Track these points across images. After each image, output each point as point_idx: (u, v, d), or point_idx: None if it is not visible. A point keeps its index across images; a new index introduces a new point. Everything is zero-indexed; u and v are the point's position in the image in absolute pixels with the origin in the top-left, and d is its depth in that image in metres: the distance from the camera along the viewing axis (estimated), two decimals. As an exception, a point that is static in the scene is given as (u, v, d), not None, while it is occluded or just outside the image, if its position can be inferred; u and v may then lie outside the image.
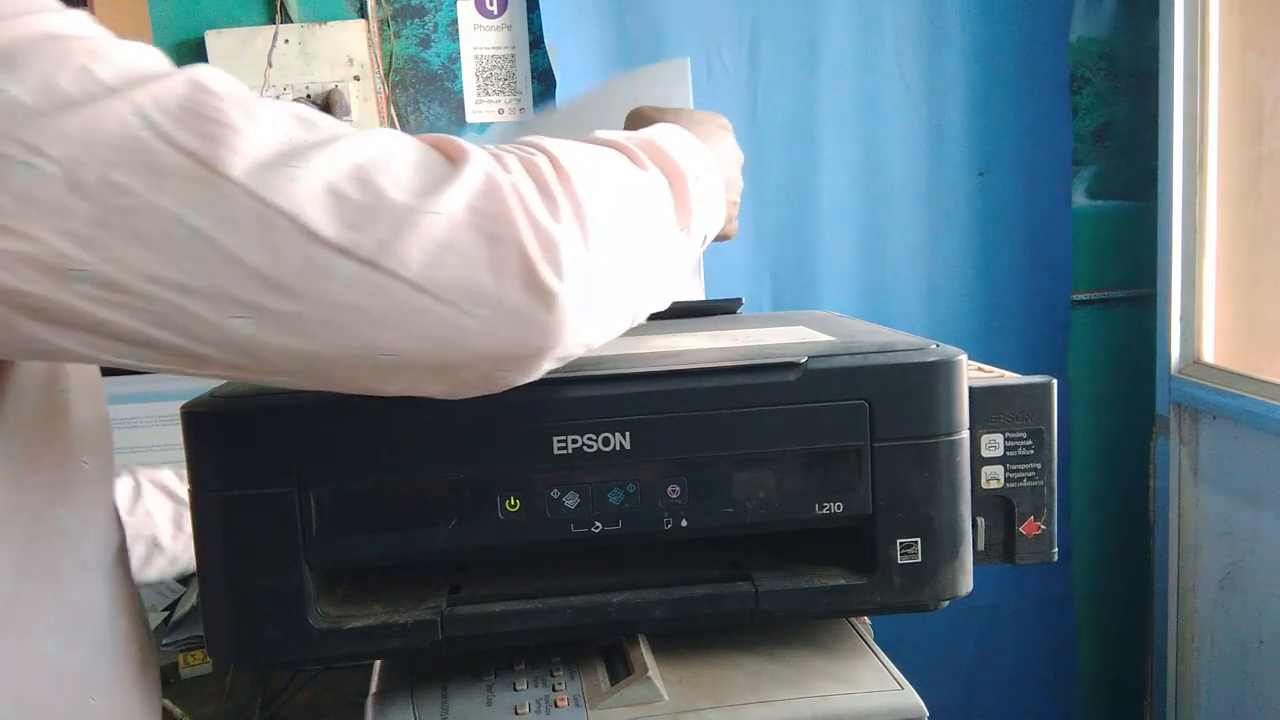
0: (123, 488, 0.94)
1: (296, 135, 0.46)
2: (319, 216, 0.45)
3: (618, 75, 0.83)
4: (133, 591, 0.65)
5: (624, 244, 0.54)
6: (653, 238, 0.57)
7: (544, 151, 0.52)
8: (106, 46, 0.44)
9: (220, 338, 0.46)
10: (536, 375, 0.53)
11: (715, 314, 0.87)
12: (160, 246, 0.43)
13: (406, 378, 0.50)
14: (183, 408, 0.58)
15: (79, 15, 0.45)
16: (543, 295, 0.48)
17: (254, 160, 0.44)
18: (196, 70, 0.45)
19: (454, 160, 0.49)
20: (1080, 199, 2.00)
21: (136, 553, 0.92)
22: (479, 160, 0.49)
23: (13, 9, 0.43)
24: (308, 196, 0.45)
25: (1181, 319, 1.81)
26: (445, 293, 0.47)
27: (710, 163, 0.67)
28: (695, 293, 0.92)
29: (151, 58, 0.46)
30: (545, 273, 0.48)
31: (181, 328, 0.45)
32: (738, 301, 0.88)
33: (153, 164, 0.43)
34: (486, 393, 0.53)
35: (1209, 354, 1.80)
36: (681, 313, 0.86)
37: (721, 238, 0.85)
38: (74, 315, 0.44)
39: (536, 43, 1.89)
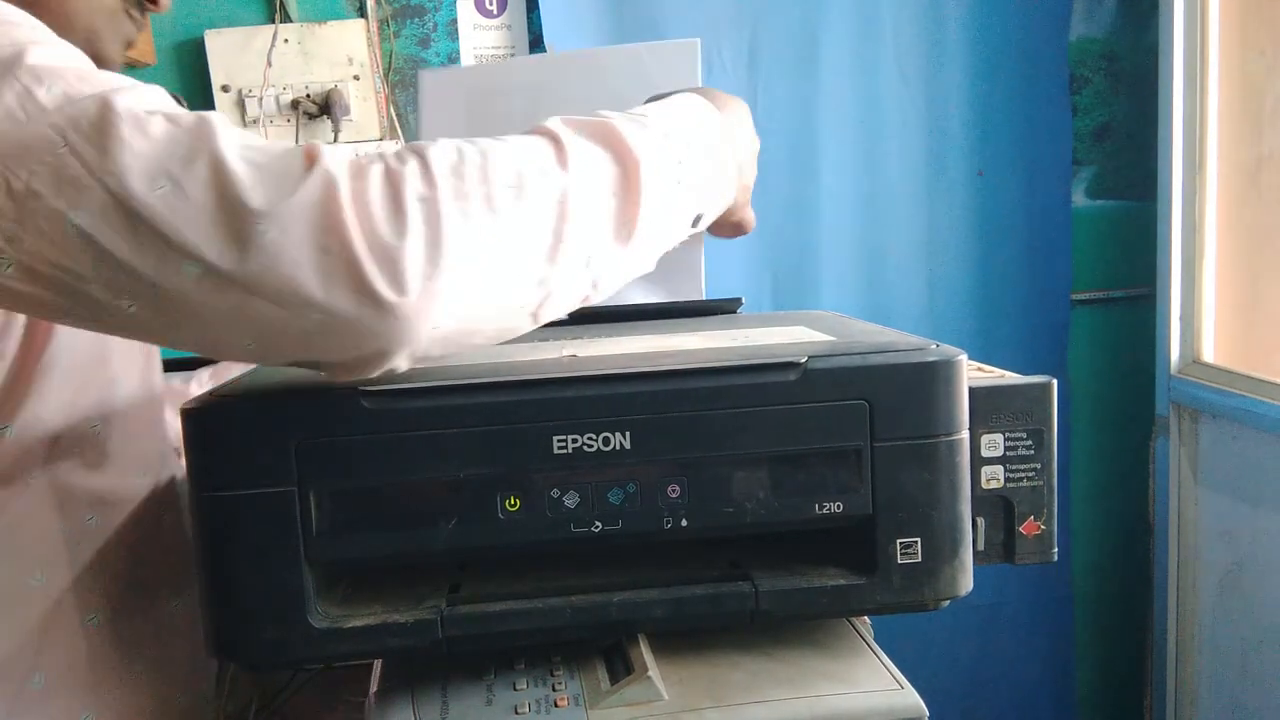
0: None
1: (173, 149, 0.51)
2: (173, 221, 0.50)
3: (621, 46, 0.81)
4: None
5: (503, 248, 0.54)
6: (553, 238, 0.57)
7: (421, 159, 0.54)
8: (52, 73, 0.52)
9: (115, 314, 0.53)
10: (393, 369, 0.55)
11: (715, 314, 0.87)
12: (56, 241, 0.51)
13: (289, 360, 0.55)
14: (183, 407, 0.58)
15: (41, 30, 0.55)
16: (376, 305, 0.51)
17: (132, 171, 0.50)
18: (116, 93, 0.52)
19: (308, 168, 0.52)
20: (1080, 199, 2.00)
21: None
22: (325, 171, 0.51)
23: None
24: (167, 205, 0.50)
25: (1181, 319, 1.81)
26: (278, 297, 0.51)
27: (713, 135, 0.67)
28: (695, 293, 0.92)
29: (86, 77, 0.54)
30: (378, 284, 0.51)
31: (86, 304, 0.53)
32: (737, 301, 0.88)
33: (60, 173, 0.50)
34: (356, 379, 0.56)
35: (1209, 354, 1.80)
36: (681, 312, 0.86)
37: (735, 229, 0.82)
38: (4, 290, 0.53)
39: (536, 42, 1.89)
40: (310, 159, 0.52)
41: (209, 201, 0.51)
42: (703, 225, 0.70)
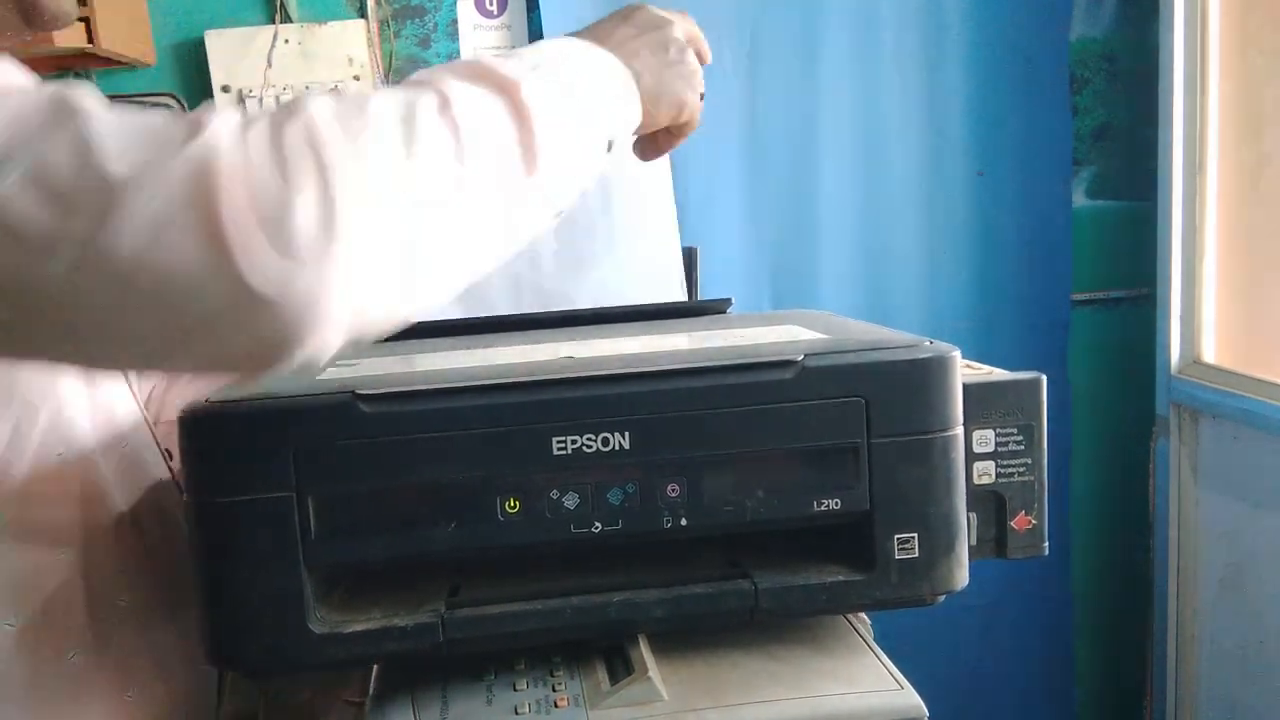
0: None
1: (25, 129, 0.44)
2: (25, 210, 0.43)
3: None
4: None
5: (405, 204, 0.49)
6: (456, 188, 0.51)
7: (303, 119, 0.48)
8: None
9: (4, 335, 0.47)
10: (318, 351, 0.48)
11: (704, 314, 0.87)
12: None
13: (186, 363, 0.50)
14: (179, 415, 0.58)
15: None
16: (270, 271, 0.44)
17: None
18: None
19: (193, 131, 0.46)
20: (1080, 199, 2.00)
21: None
22: (211, 137, 0.45)
23: None
24: (15, 194, 0.43)
25: (1181, 319, 1.81)
26: (155, 279, 0.44)
27: (587, 61, 0.62)
28: (680, 294, 0.92)
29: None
30: (265, 252, 0.44)
31: None
32: (727, 301, 0.88)
33: None
34: (277, 373, 0.48)
35: (1209, 354, 1.80)
36: (672, 313, 0.86)
37: (670, 135, 0.71)
38: None
39: (536, 43, 1.89)
40: (195, 126, 0.46)
41: (68, 181, 0.43)
42: (618, 150, 0.63)
